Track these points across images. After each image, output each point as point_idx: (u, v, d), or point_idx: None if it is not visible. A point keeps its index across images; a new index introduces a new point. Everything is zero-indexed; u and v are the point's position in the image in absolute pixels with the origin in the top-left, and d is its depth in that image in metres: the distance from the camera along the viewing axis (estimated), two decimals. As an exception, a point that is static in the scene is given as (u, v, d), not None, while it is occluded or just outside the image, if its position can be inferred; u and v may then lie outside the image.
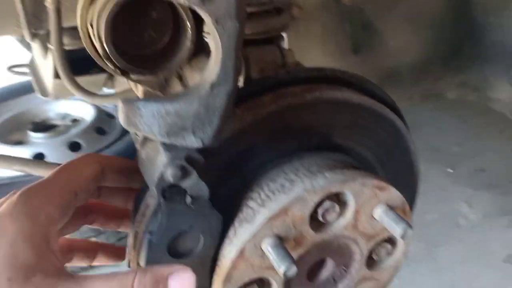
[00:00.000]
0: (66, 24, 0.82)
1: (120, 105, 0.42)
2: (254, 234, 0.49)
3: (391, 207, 0.55)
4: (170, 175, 0.46)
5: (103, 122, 1.72)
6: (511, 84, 1.29)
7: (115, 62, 0.51)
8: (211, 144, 0.47)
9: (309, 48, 1.23)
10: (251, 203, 0.53)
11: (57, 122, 1.81)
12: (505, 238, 1.57)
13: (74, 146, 1.60)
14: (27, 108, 1.82)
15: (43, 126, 1.77)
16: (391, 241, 0.59)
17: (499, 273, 1.45)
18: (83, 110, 1.80)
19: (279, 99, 0.56)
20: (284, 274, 0.48)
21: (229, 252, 0.50)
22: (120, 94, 0.95)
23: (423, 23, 1.25)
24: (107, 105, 1.79)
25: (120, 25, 0.53)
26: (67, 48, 0.83)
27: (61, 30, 0.81)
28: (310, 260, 0.57)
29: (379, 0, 1.22)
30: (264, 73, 0.74)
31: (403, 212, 0.56)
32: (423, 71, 1.34)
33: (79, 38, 0.95)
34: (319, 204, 0.53)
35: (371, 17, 1.24)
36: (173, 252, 0.50)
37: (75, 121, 1.79)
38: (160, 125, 0.43)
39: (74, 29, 0.89)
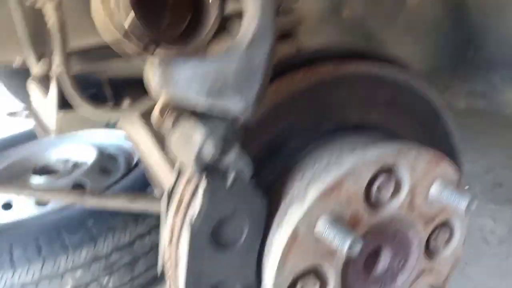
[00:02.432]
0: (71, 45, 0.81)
1: (155, 65, 0.38)
2: (307, 213, 0.43)
3: (448, 183, 0.49)
4: (209, 150, 0.41)
5: (106, 163, 1.66)
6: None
7: (139, 36, 0.47)
8: (252, 110, 0.42)
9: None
10: (297, 184, 0.47)
11: (58, 167, 1.75)
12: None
13: (78, 187, 1.53)
14: (27, 155, 1.77)
15: (45, 171, 1.71)
16: (448, 226, 0.53)
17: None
18: (84, 153, 1.74)
19: (312, 74, 0.53)
20: (349, 250, 0.41)
21: (280, 237, 0.44)
22: (126, 117, 0.92)
23: (424, 31, 1.26)
24: (110, 143, 1.76)
25: (139, 10, 0.50)
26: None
27: (66, 46, 0.79)
28: (367, 247, 0.50)
29: (378, 13, 1.24)
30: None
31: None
32: (430, 80, 1.33)
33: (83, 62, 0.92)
34: (372, 180, 0.47)
35: (372, 29, 1.25)
36: (216, 242, 0.43)
37: (76, 165, 1.73)
38: (200, 84, 0.39)
39: (75, 53, 0.87)
